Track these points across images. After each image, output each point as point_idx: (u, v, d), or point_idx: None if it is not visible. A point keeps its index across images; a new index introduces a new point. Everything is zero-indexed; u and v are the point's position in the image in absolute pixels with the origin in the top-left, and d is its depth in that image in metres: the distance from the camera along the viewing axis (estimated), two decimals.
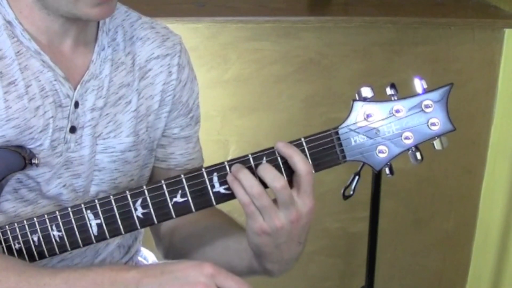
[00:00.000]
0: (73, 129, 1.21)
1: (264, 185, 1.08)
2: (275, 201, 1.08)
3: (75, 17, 1.16)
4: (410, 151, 1.11)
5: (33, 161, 1.18)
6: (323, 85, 2.32)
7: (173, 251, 1.36)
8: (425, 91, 1.10)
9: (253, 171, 1.09)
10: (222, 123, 2.30)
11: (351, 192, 1.15)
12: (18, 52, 1.17)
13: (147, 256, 1.48)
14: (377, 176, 2.04)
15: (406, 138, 1.10)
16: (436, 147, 1.12)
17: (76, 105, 1.21)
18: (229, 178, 1.10)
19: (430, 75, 2.38)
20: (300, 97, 2.32)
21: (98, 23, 1.25)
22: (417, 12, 2.35)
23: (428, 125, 1.10)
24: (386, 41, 2.32)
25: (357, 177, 1.14)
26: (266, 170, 1.08)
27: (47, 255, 1.17)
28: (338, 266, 2.55)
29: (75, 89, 1.21)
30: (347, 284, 2.54)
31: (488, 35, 2.36)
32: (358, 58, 2.32)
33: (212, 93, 2.24)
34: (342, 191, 1.16)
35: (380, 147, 1.10)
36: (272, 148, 1.10)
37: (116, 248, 1.35)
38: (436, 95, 1.10)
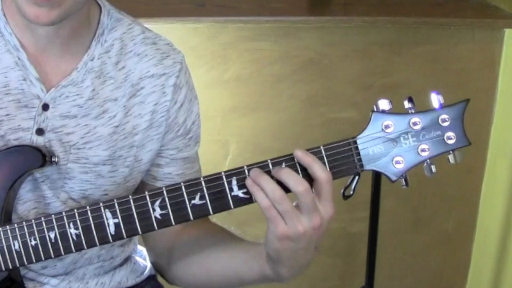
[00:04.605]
0: (40, 132, 1.21)
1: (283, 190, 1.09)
2: (296, 206, 1.09)
3: (24, 17, 1.11)
4: (425, 164, 1.14)
5: (53, 159, 1.19)
6: (323, 85, 2.32)
7: (175, 267, 1.34)
8: (442, 106, 1.12)
9: (271, 176, 1.09)
10: (222, 123, 2.30)
11: (351, 192, 1.15)
12: None
13: (146, 255, 1.47)
14: (377, 176, 2.04)
15: (423, 150, 1.12)
16: (450, 161, 1.14)
17: (46, 107, 1.20)
18: (248, 181, 1.10)
19: (430, 75, 2.39)
20: (300, 97, 2.32)
21: (95, 33, 1.23)
22: (417, 12, 2.34)
23: (444, 139, 1.13)
24: (386, 41, 2.32)
25: (357, 177, 1.14)
26: (288, 174, 1.08)
27: (63, 253, 1.17)
28: (338, 266, 2.55)
29: (48, 92, 1.20)
30: (347, 284, 2.54)
31: (488, 35, 2.36)
32: (358, 58, 2.32)
33: (212, 93, 2.24)
34: (342, 191, 1.16)
35: (397, 158, 1.12)
36: (291, 154, 1.11)
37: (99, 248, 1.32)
38: (453, 110, 1.12)
